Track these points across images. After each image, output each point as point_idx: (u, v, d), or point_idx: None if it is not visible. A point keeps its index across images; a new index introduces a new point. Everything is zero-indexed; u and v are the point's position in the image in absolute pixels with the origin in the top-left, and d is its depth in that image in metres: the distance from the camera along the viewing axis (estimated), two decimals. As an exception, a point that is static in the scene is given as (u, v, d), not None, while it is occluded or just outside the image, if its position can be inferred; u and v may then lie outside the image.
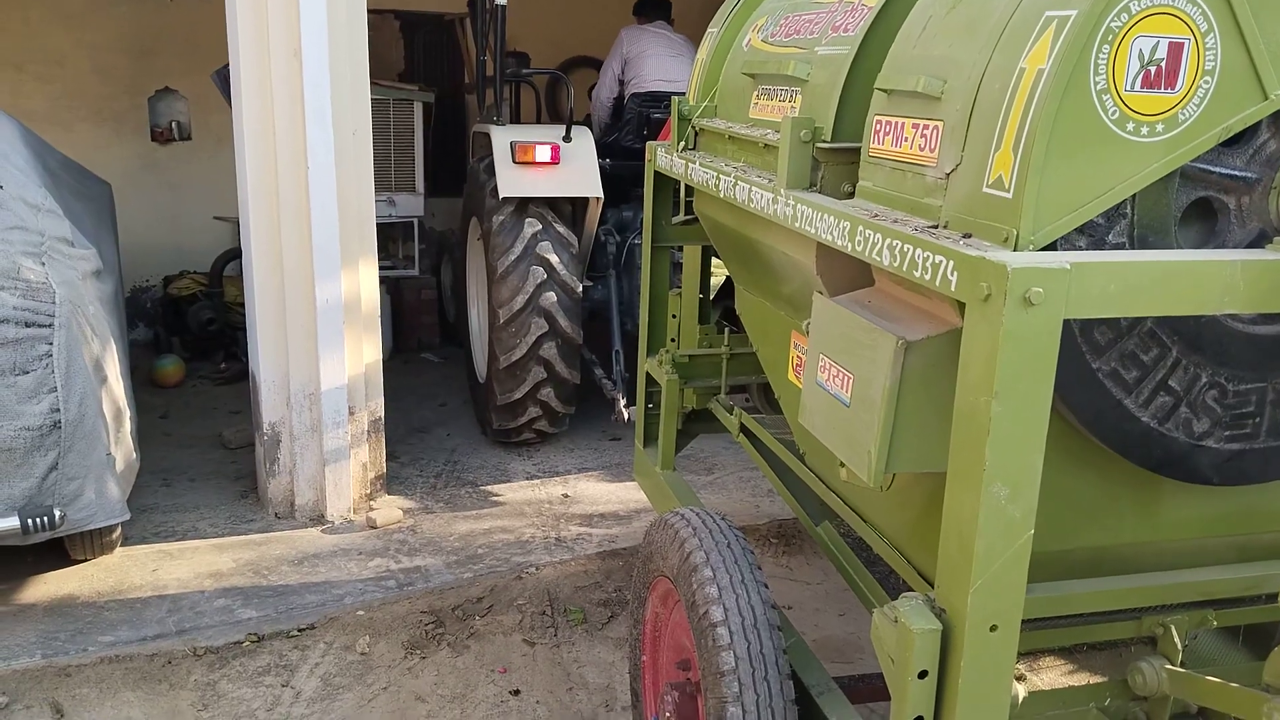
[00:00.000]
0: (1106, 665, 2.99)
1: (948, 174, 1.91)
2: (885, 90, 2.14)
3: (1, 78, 7.12)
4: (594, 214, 5.31)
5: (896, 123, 2.10)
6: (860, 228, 2.02)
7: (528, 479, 5.23)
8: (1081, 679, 3.10)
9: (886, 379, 1.96)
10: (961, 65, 1.92)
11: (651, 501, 3.82)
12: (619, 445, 5.71)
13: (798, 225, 2.33)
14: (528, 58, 7.34)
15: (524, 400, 5.27)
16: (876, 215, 2.04)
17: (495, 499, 4.97)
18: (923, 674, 1.78)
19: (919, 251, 1.82)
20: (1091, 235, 1.80)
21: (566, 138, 5.18)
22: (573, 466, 5.41)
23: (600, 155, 5.30)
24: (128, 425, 3.95)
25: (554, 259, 5.10)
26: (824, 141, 2.39)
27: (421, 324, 7.76)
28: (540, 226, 5.12)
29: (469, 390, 6.20)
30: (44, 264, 3.49)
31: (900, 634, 1.79)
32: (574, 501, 4.95)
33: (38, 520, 3.32)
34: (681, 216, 3.82)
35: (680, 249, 4.06)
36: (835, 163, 2.40)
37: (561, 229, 5.20)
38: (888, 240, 1.92)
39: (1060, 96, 1.67)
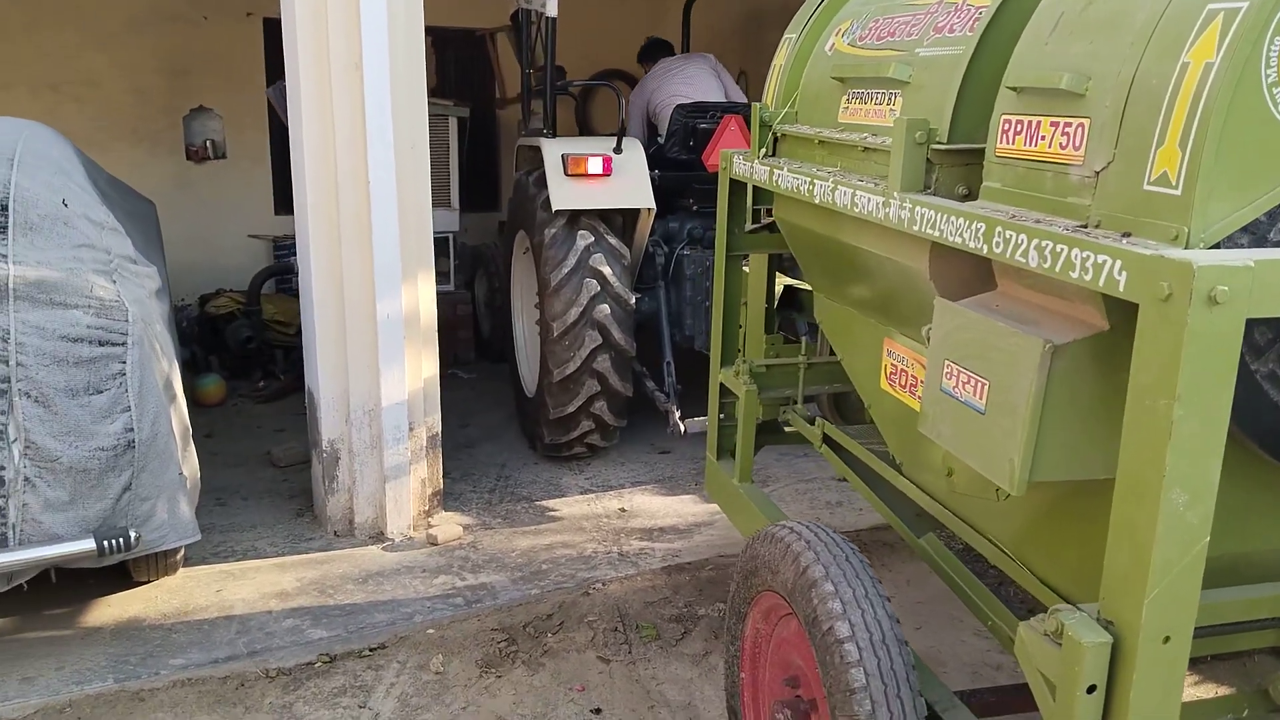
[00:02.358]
0: (1229, 675, 2.92)
1: (1097, 172, 1.86)
2: (1015, 88, 2.09)
3: (38, 98, 7.12)
4: (645, 225, 5.27)
5: (1030, 121, 2.05)
6: (999, 229, 1.97)
7: (582, 493, 5.18)
8: (1208, 690, 3.04)
9: (1032, 384, 1.91)
10: (1108, 61, 1.87)
11: (729, 515, 3.76)
12: (670, 458, 5.65)
13: (915, 229, 2.28)
14: (564, 71, 7.34)
15: (577, 414, 5.22)
16: (1015, 216, 1.99)
17: (552, 514, 4.91)
18: (1091, 689, 1.72)
19: (1076, 252, 1.77)
20: (1254, 233, 1.75)
21: (617, 149, 5.14)
22: (626, 480, 5.35)
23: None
24: (192, 443, 3.91)
25: (607, 271, 5.06)
26: (939, 143, 2.34)
27: (457, 339, 7.71)
28: (593, 239, 5.08)
29: (515, 405, 6.15)
30: (115, 281, 3.45)
31: (1067, 648, 1.73)
32: (632, 515, 4.89)
33: (113, 542, 3.27)
34: (750, 224, 3.78)
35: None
36: (950, 164, 2.35)
37: (614, 241, 5.15)
38: (1035, 241, 1.87)
39: (1232, 91, 1.62)
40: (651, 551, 4.49)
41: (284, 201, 8.14)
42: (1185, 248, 1.65)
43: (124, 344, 3.34)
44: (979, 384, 2.08)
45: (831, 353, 3.76)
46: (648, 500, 5.08)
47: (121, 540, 3.30)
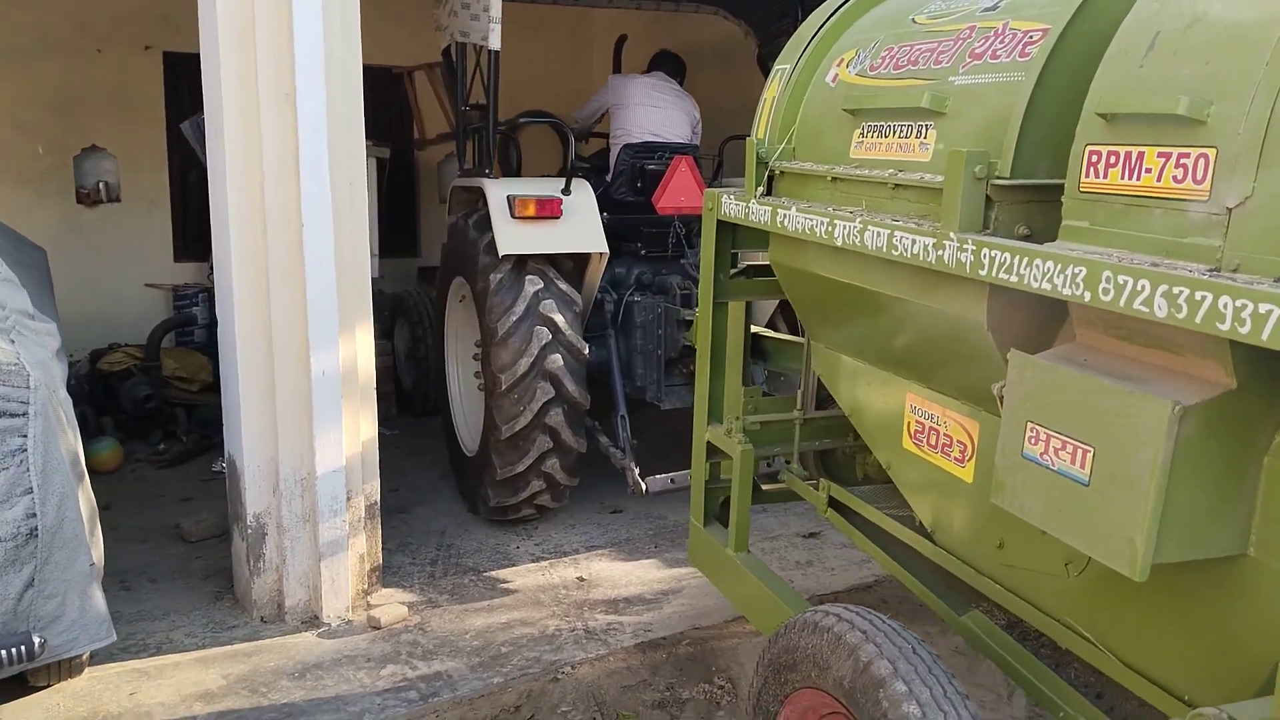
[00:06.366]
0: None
1: (1230, 208, 1.62)
2: (1105, 115, 1.86)
3: (-96, 133, 6.43)
4: (597, 270, 4.95)
5: (1129, 152, 1.81)
6: (1107, 273, 1.72)
7: (534, 561, 4.77)
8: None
9: (1157, 452, 1.66)
10: (1233, 84, 1.65)
11: (722, 588, 3.43)
12: (623, 519, 5.30)
13: (982, 273, 2.02)
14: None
15: (527, 474, 4.83)
16: (1123, 259, 1.74)
17: (505, 586, 4.49)
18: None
19: (1226, 300, 1.52)
20: None
21: (566, 190, 4.83)
22: (579, 545, 4.96)
23: (594, 209, 4.96)
24: (99, 527, 3.39)
25: (558, 318, 4.71)
26: (1000, 178, 2.10)
27: (378, 393, 7.20)
28: (542, 284, 4.73)
29: (449, 464, 5.71)
30: (13, 342, 2.95)
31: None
32: (592, 585, 4.51)
33: (12, 651, 2.74)
34: (729, 269, 3.51)
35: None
36: (1011, 201, 2.11)
37: (564, 286, 4.82)
38: (1163, 287, 1.62)
39: None
40: (620, 626, 4.11)
41: (186, 247, 7.56)
42: (1369, 294, 1.42)
43: (25, 415, 2.84)
44: (1079, 451, 1.81)
45: (819, 406, 3.50)
46: (607, 567, 4.71)
47: (24, 648, 2.78)
